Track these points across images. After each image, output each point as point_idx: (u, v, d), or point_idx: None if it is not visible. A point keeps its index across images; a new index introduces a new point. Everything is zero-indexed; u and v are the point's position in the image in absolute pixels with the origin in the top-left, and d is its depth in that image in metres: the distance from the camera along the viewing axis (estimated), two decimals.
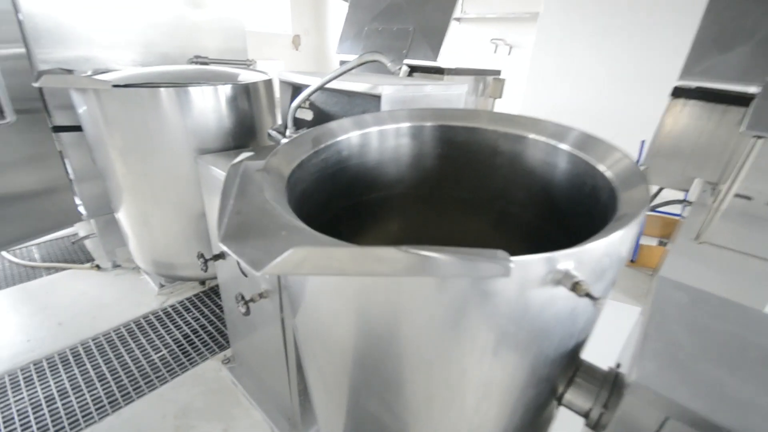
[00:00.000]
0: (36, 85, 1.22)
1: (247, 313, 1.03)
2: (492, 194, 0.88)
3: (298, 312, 0.63)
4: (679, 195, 2.24)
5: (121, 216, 1.60)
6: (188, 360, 1.65)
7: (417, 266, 0.32)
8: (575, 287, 0.39)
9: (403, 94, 1.04)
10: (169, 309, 1.94)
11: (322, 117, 1.23)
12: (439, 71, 2.33)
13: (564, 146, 0.72)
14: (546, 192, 0.77)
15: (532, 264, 0.38)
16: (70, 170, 1.90)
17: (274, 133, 1.15)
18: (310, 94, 1.04)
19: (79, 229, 2.49)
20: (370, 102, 1.07)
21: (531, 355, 0.49)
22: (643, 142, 2.86)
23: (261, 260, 0.34)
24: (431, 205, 0.98)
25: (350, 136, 0.85)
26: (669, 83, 1.68)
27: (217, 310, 1.94)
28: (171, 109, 1.21)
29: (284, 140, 1.11)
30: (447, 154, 0.90)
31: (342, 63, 2.83)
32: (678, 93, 1.55)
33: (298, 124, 1.31)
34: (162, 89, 1.19)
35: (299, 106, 1.10)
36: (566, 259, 0.39)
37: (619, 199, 0.55)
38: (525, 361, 0.49)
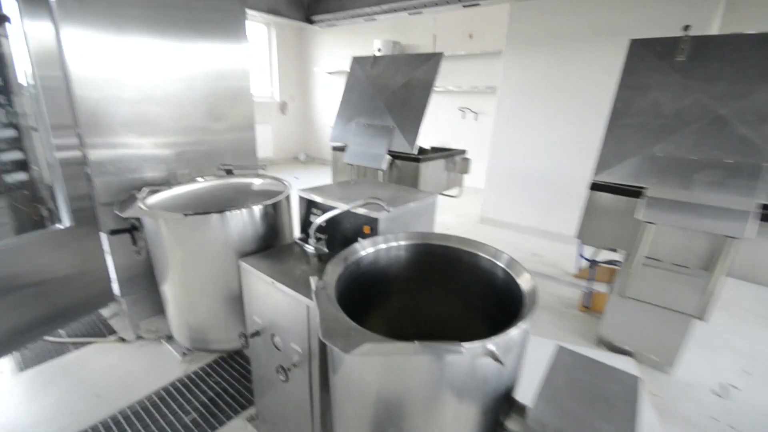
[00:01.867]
0: (122, 215, 1.63)
1: (287, 380, 1.38)
2: (459, 288, 1.32)
3: (338, 371, 1.01)
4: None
5: (171, 302, 1.95)
6: (216, 420, 1.92)
7: (420, 349, 0.74)
8: (495, 357, 0.81)
9: (392, 215, 1.49)
10: (193, 375, 2.21)
11: (334, 228, 1.67)
12: (415, 159, 2.86)
13: (499, 263, 1.17)
14: (491, 289, 1.21)
15: (473, 347, 0.80)
16: (110, 262, 2.25)
17: (300, 243, 1.56)
18: (328, 219, 1.47)
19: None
20: (372, 221, 1.51)
21: (480, 396, 0.89)
22: None
23: (347, 348, 0.74)
24: (419, 291, 1.41)
25: (367, 251, 1.28)
26: None
27: (235, 373, 2.23)
28: (220, 228, 1.63)
29: (308, 248, 1.53)
30: (429, 261, 1.34)
31: (334, 149, 3.37)
32: (594, 187, 2.09)
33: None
34: (214, 215, 1.61)
35: (319, 225, 1.52)
36: (491, 343, 0.81)
37: (525, 301, 0.98)
38: (477, 401, 0.89)
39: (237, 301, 1.80)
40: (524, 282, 1.06)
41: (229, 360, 2.36)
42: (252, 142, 2.86)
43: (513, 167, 4.60)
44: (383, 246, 1.33)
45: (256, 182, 2.20)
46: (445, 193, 3.38)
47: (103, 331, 2.59)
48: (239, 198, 1.94)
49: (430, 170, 3.02)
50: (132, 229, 2.02)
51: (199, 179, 2.18)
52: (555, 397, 0.88)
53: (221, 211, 1.61)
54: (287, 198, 1.86)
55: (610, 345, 2.42)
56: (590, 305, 2.97)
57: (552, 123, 4.21)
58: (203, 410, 1.98)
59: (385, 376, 0.89)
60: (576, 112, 4.02)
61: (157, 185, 2.07)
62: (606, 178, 1.99)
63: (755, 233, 1.63)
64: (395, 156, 2.97)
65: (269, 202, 1.72)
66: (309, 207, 1.75)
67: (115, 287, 2.32)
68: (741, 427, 1.93)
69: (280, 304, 1.42)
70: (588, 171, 4.05)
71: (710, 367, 2.38)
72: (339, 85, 7.97)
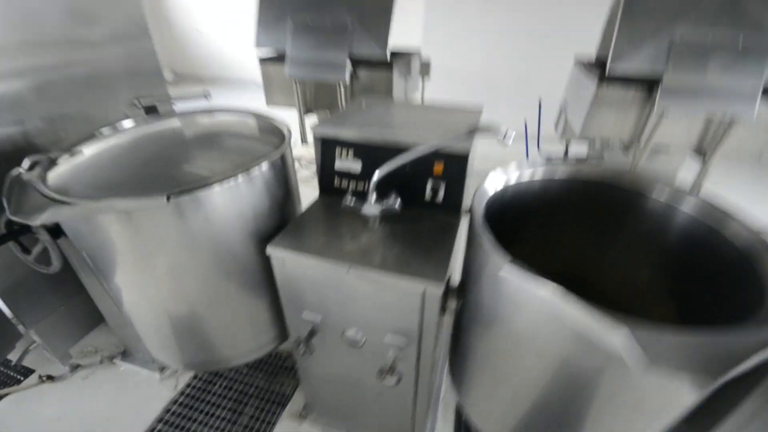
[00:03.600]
0: (35, 222, 0.86)
1: (398, 383, 1.08)
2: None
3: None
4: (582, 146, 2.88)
5: (151, 324, 1.31)
6: (261, 428, 1.55)
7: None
8: None
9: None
10: (191, 389, 1.71)
11: (371, 167, 1.21)
12: (388, 65, 2.33)
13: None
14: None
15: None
16: None
17: (351, 204, 1.10)
18: (396, 166, 1.03)
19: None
20: (456, 160, 1.12)
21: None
22: (540, 99, 3.45)
23: None
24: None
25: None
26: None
27: (247, 367, 1.80)
28: (221, 205, 1.01)
29: (370, 209, 1.09)
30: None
31: (263, 61, 2.52)
32: (602, 79, 1.97)
33: (347, 176, 1.26)
34: (215, 187, 0.98)
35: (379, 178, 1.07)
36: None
37: None
38: None
39: (256, 300, 1.29)
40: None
41: None
42: (151, 55, 1.90)
43: (447, 66, 4.28)
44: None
45: (210, 121, 1.46)
46: None
47: (16, 377, 1.77)
48: (200, 154, 1.25)
49: (402, 79, 2.53)
50: (19, 233, 1.19)
51: (105, 131, 1.35)
52: None
53: (221, 180, 0.99)
54: (290, 145, 1.27)
55: None
56: None
57: (489, 11, 3.89)
58: (232, 426, 1.57)
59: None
60: None
61: (36, 151, 1.21)
62: (623, 67, 1.87)
63: (756, 114, 1.75)
64: (357, 62, 2.37)
65: (276, 154, 1.14)
66: (330, 147, 1.23)
67: (14, 319, 1.50)
68: None
69: (365, 295, 1.03)
70: (538, 66, 4.00)
71: None
72: None
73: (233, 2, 6.09)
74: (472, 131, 0.97)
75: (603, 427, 0.77)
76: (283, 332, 1.44)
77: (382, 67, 2.34)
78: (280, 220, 1.25)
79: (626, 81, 1.94)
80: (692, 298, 0.92)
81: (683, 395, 0.61)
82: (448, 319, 1.20)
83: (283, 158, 1.18)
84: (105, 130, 1.32)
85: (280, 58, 2.52)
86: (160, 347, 1.41)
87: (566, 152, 2.97)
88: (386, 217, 1.16)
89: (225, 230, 1.08)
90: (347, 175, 1.27)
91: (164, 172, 1.11)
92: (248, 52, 6.45)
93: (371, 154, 1.20)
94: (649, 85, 1.90)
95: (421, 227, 1.15)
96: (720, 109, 1.78)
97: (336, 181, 1.30)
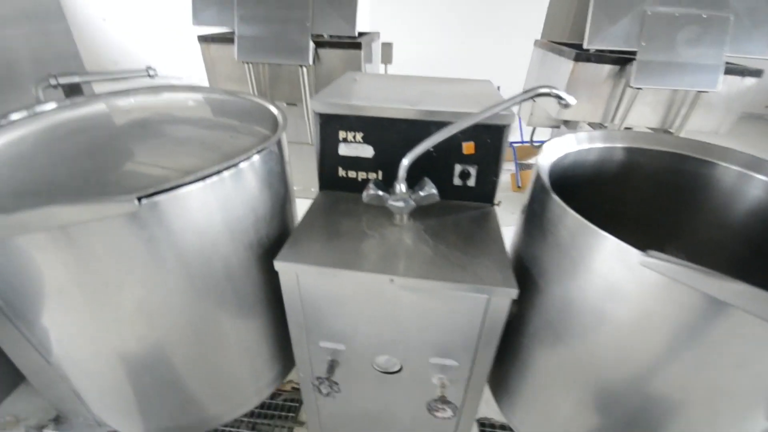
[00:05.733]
0: None
1: (455, 413, 0.89)
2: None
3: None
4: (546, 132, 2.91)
5: (98, 377, 0.94)
6: None
7: None
8: None
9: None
10: None
11: (387, 150, 1.00)
12: (353, 45, 2.10)
13: None
14: None
15: None
16: None
17: (377, 195, 0.88)
18: (434, 144, 0.83)
19: None
20: (495, 130, 0.95)
21: None
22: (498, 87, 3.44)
23: None
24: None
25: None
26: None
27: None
28: (207, 206, 0.73)
29: (396, 204, 0.88)
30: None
31: (203, 40, 2.14)
32: (579, 57, 1.95)
33: (355, 165, 1.04)
34: (196, 185, 0.69)
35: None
36: None
37: None
38: None
39: (255, 332, 1.01)
40: None
41: None
42: (66, 35, 1.48)
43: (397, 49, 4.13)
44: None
45: (159, 101, 1.12)
46: None
47: None
48: (151, 146, 0.91)
49: (367, 63, 2.30)
50: None
51: (16, 117, 0.96)
52: None
53: (205, 177, 0.71)
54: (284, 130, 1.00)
55: None
56: (522, 184, 3.19)
57: None
58: None
59: None
60: None
61: None
62: (599, 45, 1.86)
63: (720, 85, 1.84)
64: (320, 44, 2.10)
65: (272, 140, 0.87)
66: (330, 123, 1.00)
67: None
68: None
69: (408, 311, 0.83)
70: (487, 50, 3.99)
71: None
72: None
73: None
74: (529, 93, 0.80)
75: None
76: (287, 366, 1.17)
77: (347, 47, 2.10)
78: (282, 226, 0.98)
79: (599, 59, 1.94)
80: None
81: None
82: None
83: (280, 145, 0.91)
84: (15, 116, 0.93)
85: (224, 38, 2.15)
86: (111, 408, 1.05)
87: (531, 139, 2.99)
88: (413, 211, 0.96)
89: (213, 243, 0.79)
90: (355, 163, 1.05)
91: (101, 173, 0.78)
92: (171, 42, 5.70)
93: (391, 132, 0.99)
94: (620, 63, 1.92)
95: (459, 219, 0.97)
96: (689, 83, 1.85)
97: (341, 172, 1.06)
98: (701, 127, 2.11)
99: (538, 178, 0.81)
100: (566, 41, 2.46)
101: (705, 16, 1.80)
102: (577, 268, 0.71)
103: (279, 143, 0.91)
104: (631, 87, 1.88)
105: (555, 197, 0.72)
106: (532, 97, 0.81)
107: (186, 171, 0.71)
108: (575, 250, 0.69)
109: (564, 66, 2.07)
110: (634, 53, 1.86)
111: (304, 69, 2.09)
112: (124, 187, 0.72)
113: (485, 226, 0.95)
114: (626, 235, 0.61)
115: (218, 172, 0.72)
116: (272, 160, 0.87)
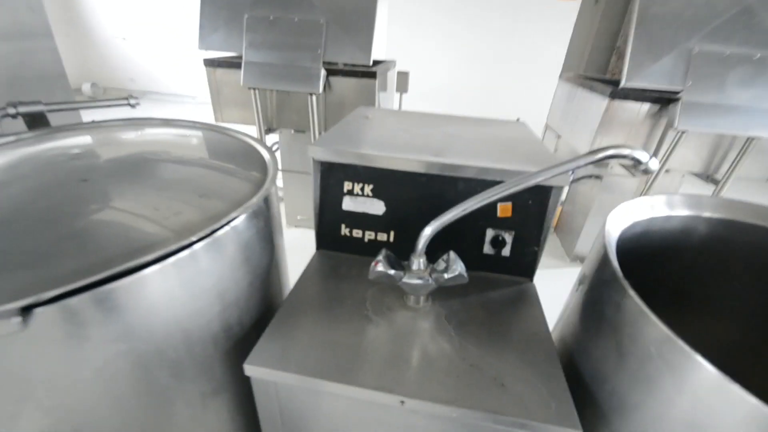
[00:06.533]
0: None
1: None
2: None
3: None
4: None
5: None
6: None
7: None
8: None
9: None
10: None
11: (399, 207, 0.81)
12: (371, 74, 1.96)
13: None
14: None
15: None
16: None
17: (382, 273, 0.68)
18: (463, 213, 0.64)
19: None
20: (541, 193, 0.76)
21: None
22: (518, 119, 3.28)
23: None
24: None
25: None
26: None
27: None
28: (167, 296, 0.54)
29: (413, 281, 0.68)
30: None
31: (209, 64, 2.02)
32: (615, 94, 1.77)
33: (361, 222, 0.84)
34: (151, 269, 0.50)
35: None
36: None
37: None
38: None
39: None
40: None
41: None
42: (53, 54, 1.35)
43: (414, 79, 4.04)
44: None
45: (138, 138, 0.95)
46: None
47: None
48: (123, 192, 0.73)
49: (382, 92, 2.16)
50: None
51: None
52: None
53: (165, 256, 0.52)
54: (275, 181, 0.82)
55: None
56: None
57: (450, 27, 3.72)
58: None
59: None
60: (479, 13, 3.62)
61: None
62: (640, 82, 1.68)
63: None
64: (331, 71, 1.97)
65: (259, 195, 0.69)
66: (331, 173, 0.82)
67: None
68: None
69: None
70: (504, 81, 3.88)
71: None
72: None
73: (164, 4, 5.29)
74: (599, 154, 0.61)
75: None
76: None
77: (361, 76, 1.96)
78: (263, 303, 0.78)
79: (638, 97, 1.76)
80: None
81: None
82: None
83: (267, 202, 0.72)
84: None
85: (231, 63, 2.04)
86: None
87: None
88: (433, 294, 0.75)
89: (158, 350, 0.58)
90: (361, 221, 0.85)
91: (58, 227, 0.60)
92: (186, 61, 5.75)
93: (407, 186, 0.80)
94: (661, 102, 1.74)
95: (490, 301, 0.76)
96: (741, 128, 1.65)
97: (343, 230, 0.87)
98: (751, 174, 1.89)
99: (605, 260, 0.61)
100: (586, 74, 2.30)
101: (758, 57, 1.61)
102: (671, 409, 0.49)
103: (267, 199, 0.72)
104: (675, 129, 1.68)
105: (639, 302, 0.51)
106: (603, 159, 0.62)
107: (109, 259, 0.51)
108: (674, 388, 0.48)
109: (596, 103, 1.89)
110: (674, 92, 1.67)
111: (314, 97, 1.95)
112: (78, 246, 0.53)
113: (525, 314, 0.74)
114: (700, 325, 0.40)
115: (163, 257, 0.52)
116: (252, 227, 0.68)
